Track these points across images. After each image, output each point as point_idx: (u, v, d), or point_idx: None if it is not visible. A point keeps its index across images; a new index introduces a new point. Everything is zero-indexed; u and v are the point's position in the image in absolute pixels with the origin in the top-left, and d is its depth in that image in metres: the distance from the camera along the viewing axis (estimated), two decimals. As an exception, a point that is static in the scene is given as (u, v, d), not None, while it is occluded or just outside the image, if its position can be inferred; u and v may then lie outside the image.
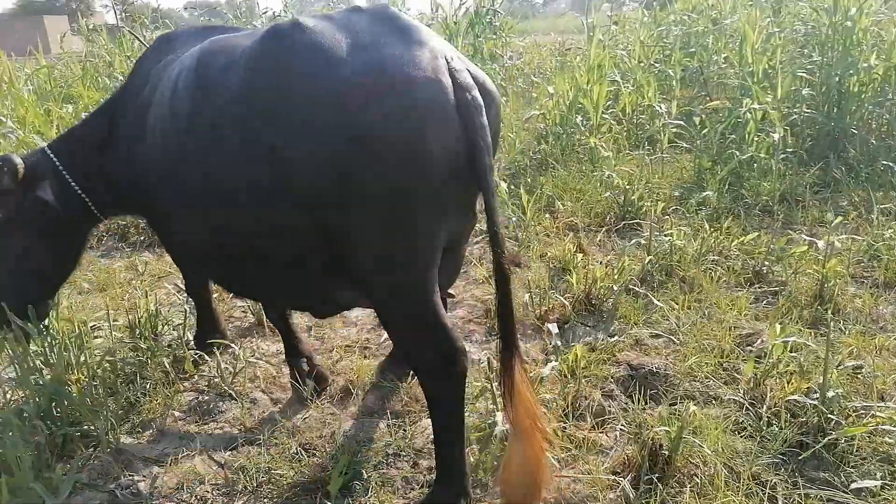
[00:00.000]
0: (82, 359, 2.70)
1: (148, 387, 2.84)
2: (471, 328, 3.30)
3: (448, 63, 1.71)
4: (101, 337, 3.16)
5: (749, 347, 2.89)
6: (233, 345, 3.12)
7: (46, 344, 2.61)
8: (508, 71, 9.42)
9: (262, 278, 2.15)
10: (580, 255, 3.83)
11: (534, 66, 11.05)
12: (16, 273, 2.51)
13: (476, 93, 1.71)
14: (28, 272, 2.55)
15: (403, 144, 1.65)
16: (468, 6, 8.61)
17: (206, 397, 2.85)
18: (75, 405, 2.46)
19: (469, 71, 1.76)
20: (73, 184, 2.50)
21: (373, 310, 2.09)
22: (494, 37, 8.11)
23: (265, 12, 10.28)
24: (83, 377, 2.65)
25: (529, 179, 5.39)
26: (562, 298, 3.32)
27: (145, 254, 4.58)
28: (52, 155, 2.49)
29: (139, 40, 5.82)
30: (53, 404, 2.44)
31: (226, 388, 2.85)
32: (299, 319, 3.53)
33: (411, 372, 2.75)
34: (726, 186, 4.69)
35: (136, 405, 2.76)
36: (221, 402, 2.81)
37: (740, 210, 4.39)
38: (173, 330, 3.28)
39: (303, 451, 2.45)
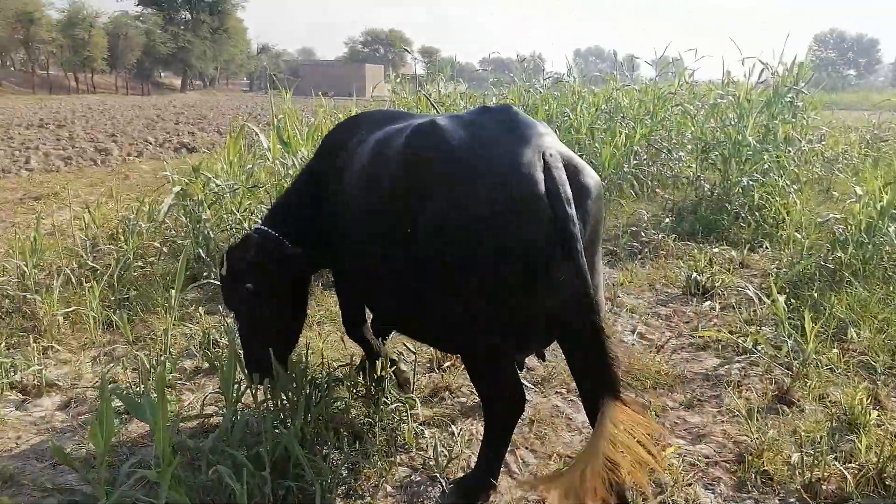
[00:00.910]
0: (321, 408, 2.89)
1: (369, 450, 2.91)
2: (715, 474, 2.81)
3: (544, 158, 2.04)
4: (341, 385, 3.34)
5: None
6: (453, 425, 3.07)
7: (291, 392, 2.82)
8: (805, 155, 8.35)
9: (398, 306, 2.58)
10: (875, 411, 3.07)
11: (837, 152, 9.67)
12: (267, 332, 2.91)
13: (565, 186, 2.00)
14: (276, 330, 2.95)
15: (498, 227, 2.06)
16: (766, 82, 7.86)
17: (418, 478, 2.82)
18: (303, 459, 2.58)
19: (568, 163, 2.11)
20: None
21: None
22: (794, 119, 7.22)
23: (549, 77, 10.64)
24: (316, 430, 2.81)
25: (815, 294, 4.58)
26: (840, 467, 2.66)
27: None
28: (270, 231, 2.96)
29: (434, 107, 6.32)
30: (286, 454, 2.59)
31: (438, 473, 2.79)
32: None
33: None
34: None
35: (354, 467, 2.83)
36: (431, 487, 2.75)
37: None
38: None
39: (499, 576, 2.26)
